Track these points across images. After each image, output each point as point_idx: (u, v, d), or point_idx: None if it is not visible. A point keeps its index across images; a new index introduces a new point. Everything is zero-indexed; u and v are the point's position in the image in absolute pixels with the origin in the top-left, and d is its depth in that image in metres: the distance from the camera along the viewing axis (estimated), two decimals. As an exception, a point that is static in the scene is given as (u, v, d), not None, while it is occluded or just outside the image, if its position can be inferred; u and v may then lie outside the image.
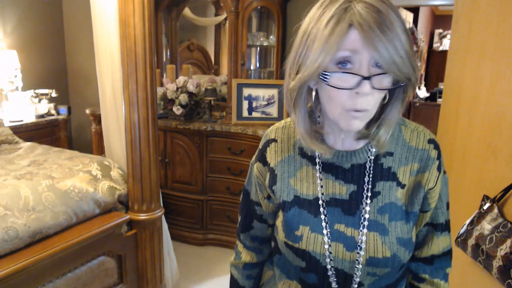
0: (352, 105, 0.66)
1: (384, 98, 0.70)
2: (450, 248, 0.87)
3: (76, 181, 1.78)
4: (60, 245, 1.57)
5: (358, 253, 0.75)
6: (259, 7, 2.76)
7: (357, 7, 0.62)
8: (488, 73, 1.61)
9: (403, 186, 0.77)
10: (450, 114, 1.86)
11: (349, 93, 0.65)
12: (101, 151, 3.11)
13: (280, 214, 0.83)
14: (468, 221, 1.51)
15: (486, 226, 1.41)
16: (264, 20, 3.10)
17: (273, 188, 0.83)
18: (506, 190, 1.45)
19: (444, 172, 0.81)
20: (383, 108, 0.72)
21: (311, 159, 0.80)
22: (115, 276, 1.87)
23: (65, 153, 2.16)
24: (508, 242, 1.29)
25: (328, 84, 0.66)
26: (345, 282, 0.78)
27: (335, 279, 0.77)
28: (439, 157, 0.79)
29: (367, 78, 0.63)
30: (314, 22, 0.66)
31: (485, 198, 1.52)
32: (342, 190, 0.78)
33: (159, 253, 2.03)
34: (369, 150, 0.77)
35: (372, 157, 0.78)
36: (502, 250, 1.29)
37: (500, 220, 1.38)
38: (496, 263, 1.30)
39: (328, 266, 0.77)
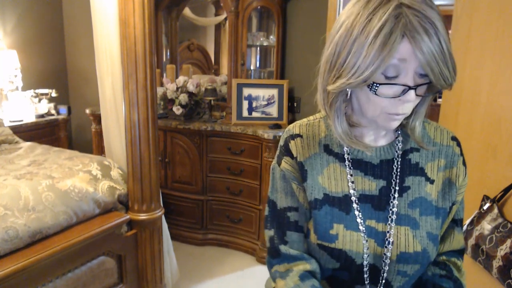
0: (394, 110, 0.68)
1: None
2: (464, 247, 0.88)
3: (76, 181, 1.78)
4: (60, 245, 1.57)
5: (386, 247, 0.76)
6: (259, 7, 2.75)
7: (408, 15, 0.60)
8: (488, 73, 1.61)
9: (432, 182, 0.79)
10: (450, 114, 1.86)
11: (392, 99, 0.66)
12: (101, 151, 3.11)
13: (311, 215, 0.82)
14: (468, 221, 1.51)
15: (486, 226, 1.41)
16: (264, 20, 3.09)
17: (304, 184, 0.81)
18: (506, 190, 1.45)
19: None
20: (416, 106, 0.75)
21: (337, 156, 0.80)
22: (115, 276, 1.87)
23: (65, 153, 2.16)
24: (508, 242, 1.29)
25: (375, 94, 0.67)
26: (376, 278, 0.78)
27: (368, 275, 0.78)
28: (462, 153, 0.82)
29: (413, 88, 0.65)
30: (361, 26, 0.63)
31: (485, 198, 1.53)
32: (371, 185, 0.79)
33: (159, 253, 2.03)
34: (397, 145, 0.79)
35: (400, 152, 0.79)
36: (502, 250, 1.29)
37: (500, 220, 1.38)
38: (496, 263, 1.30)
39: (365, 263, 0.77)
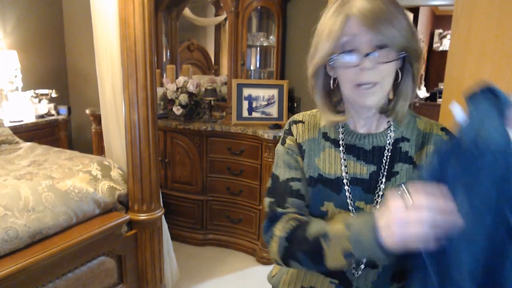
0: (358, 79, 0.76)
1: (397, 77, 0.80)
2: None
3: (76, 181, 1.78)
4: (60, 246, 1.57)
5: None
6: (259, 7, 2.76)
7: (354, 1, 0.75)
8: (488, 73, 1.61)
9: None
10: (450, 114, 1.85)
11: (355, 69, 0.76)
12: (101, 151, 3.11)
13: None
14: (468, 221, 1.51)
15: (486, 226, 1.41)
16: (264, 20, 3.09)
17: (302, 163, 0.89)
18: (506, 190, 1.45)
19: None
20: (398, 86, 0.82)
21: (334, 141, 0.88)
22: (115, 276, 1.87)
23: (65, 153, 2.16)
24: (508, 242, 1.28)
25: (332, 66, 0.79)
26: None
27: None
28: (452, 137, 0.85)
29: (366, 55, 0.74)
30: (322, 19, 0.81)
31: (485, 198, 1.52)
32: (363, 170, 0.85)
33: (159, 253, 2.03)
34: (389, 134, 0.86)
35: (392, 140, 0.86)
36: (502, 250, 1.29)
37: (500, 220, 1.38)
38: (496, 263, 1.30)
39: None
